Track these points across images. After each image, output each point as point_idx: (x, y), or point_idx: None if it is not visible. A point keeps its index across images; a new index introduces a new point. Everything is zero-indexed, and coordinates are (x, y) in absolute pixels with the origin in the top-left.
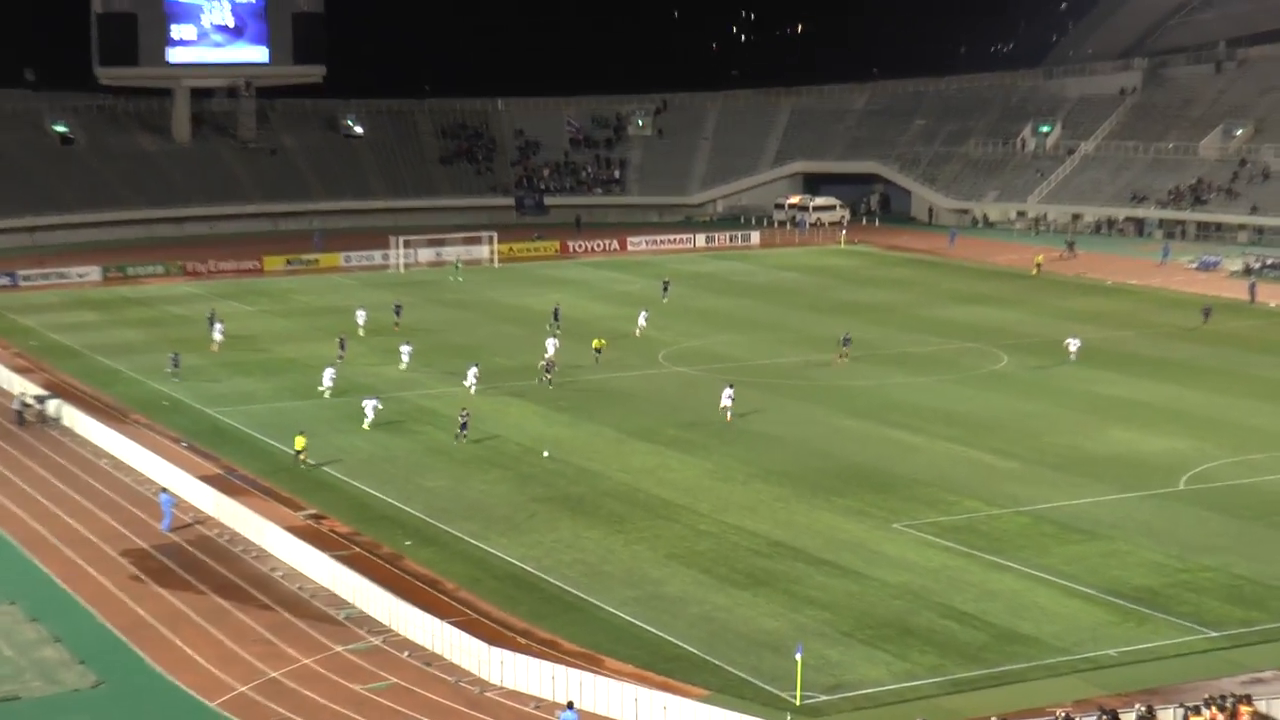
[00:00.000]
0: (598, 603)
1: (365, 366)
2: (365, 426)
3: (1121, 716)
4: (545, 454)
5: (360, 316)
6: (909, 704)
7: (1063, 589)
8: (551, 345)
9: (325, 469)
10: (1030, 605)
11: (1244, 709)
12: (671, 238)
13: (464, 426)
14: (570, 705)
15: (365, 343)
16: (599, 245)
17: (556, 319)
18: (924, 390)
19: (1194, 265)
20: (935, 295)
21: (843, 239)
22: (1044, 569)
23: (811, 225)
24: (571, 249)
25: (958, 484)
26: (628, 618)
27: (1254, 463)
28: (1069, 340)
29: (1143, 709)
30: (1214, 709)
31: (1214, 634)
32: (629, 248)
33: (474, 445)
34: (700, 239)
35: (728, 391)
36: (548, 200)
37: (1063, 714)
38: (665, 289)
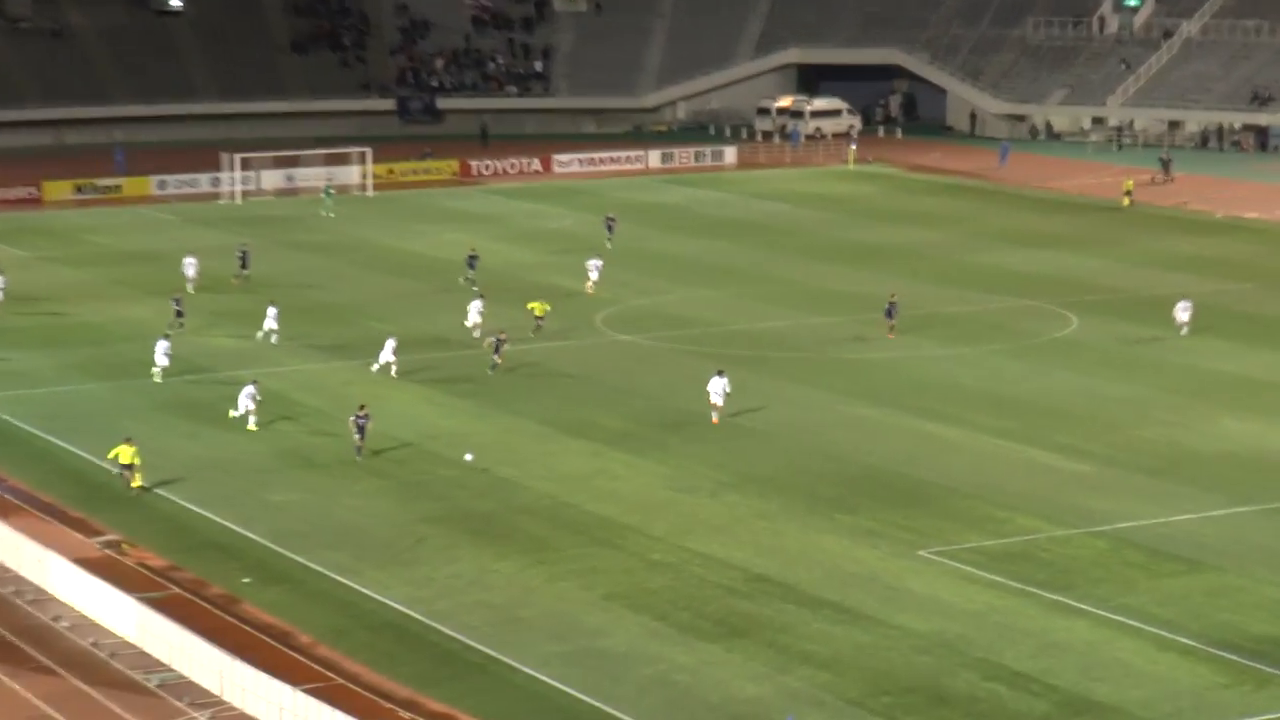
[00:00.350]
0: (511, 662)
1: (195, 337)
2: (251, 426)
3: None
4: (467, 458)
5: (189, 267)
6: None
7: (1154, 639)
8: (476, 309)
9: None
10: (1109, 662)
11: None
12: (614, 155)
13: (361, 433)
14: None
15: (194, 302)
16: (513, 166)
17: (472, 268)
18: (965, 365)
19: None
20: (980, 235)
21: (852, 157)
22: (1128, 612)
23: (808, 138)
24: (475, 171)
25: (1010, 495)
26: (552, 682)
27: None
28: (1178, 306)
29: None
30: None
31: None
32: (555, 169)
33: (339, 444)
34: (655, 157)
35: (719, 383)
36: (441, 103)
37: None
38: (610, 229)
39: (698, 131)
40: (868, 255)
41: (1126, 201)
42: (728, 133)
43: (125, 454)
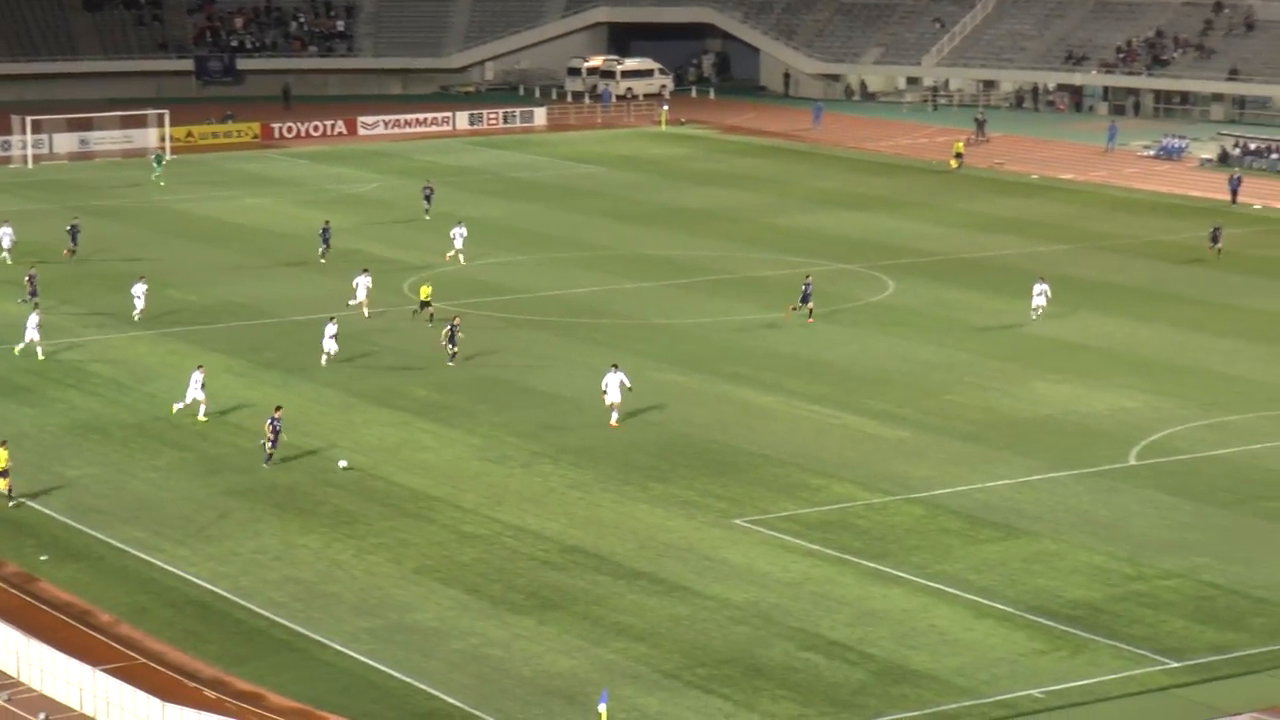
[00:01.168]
0: (319, 638)
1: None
2: (201, 417)
3: None
4: (341, 464)
5: (4, 237)
6: None
7: (970, 606)
8: (364, 286)
9: None
10: (925, 629)
11: None
12: (421, 117)
13: (275, 438)
14: None
15: (9, 272)
16: (316, 128)
17: (326, 243)
18: (780, 331)
19: (1151, 152)
20: (794, 197)
21: (664, 118)
22: (944, 579)
23: (619, 99)
24: (277, 133)
25: (826, 462)
26: (361, 658)
27: (1232, 426)
28: (1035, 288)
29: None
30: None
31: (1175, 664)
32: (360, 131)
33: (136, 416)
34: (462, 119)
35: (615, 378)
36: (242, 64)
37: None
38: (428, 199)
39: (506, 92)
40: (681, 218)
41: (955, 164)
42: (537, 94)
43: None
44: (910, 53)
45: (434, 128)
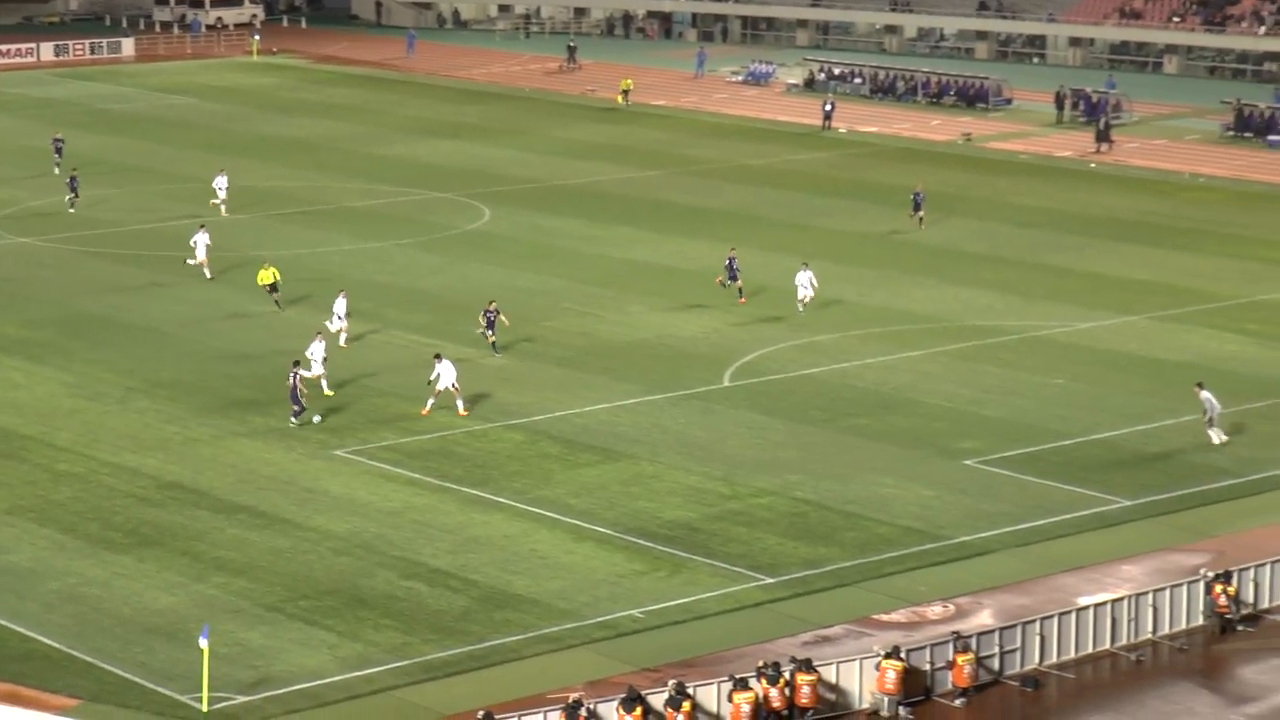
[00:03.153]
0: None
1: None
2: (327, 391)
3: (651, 698)
4: (316, 419)
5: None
6: (363, 700)
7: (570, 530)
8: (204, 242)
9: None
10: (527, 554)
11: (803, 679)
12: (4, 49)
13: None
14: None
15: None
16: None
17: (74, 190)
18: (376, 260)
19: (739, 78)
20: (389, 126)
21: (255, 48)
22: (544, 504)
23: (209, 28)
24: None
25: (425, 390)
26: None
27: (821, 346)
28: (799, 276)
29: (674, 687)
30: (765, 681)
31: (770, 580)
32: None
33: None
34: (47, 49)
35: (445, 369)
36: None
37: (573, 699)
38: (58, 151)
39: (93, 22)
40: (275, 149)
41: (621, 100)
42: (124, 24)
43: None
44: None
45: (17, 59)
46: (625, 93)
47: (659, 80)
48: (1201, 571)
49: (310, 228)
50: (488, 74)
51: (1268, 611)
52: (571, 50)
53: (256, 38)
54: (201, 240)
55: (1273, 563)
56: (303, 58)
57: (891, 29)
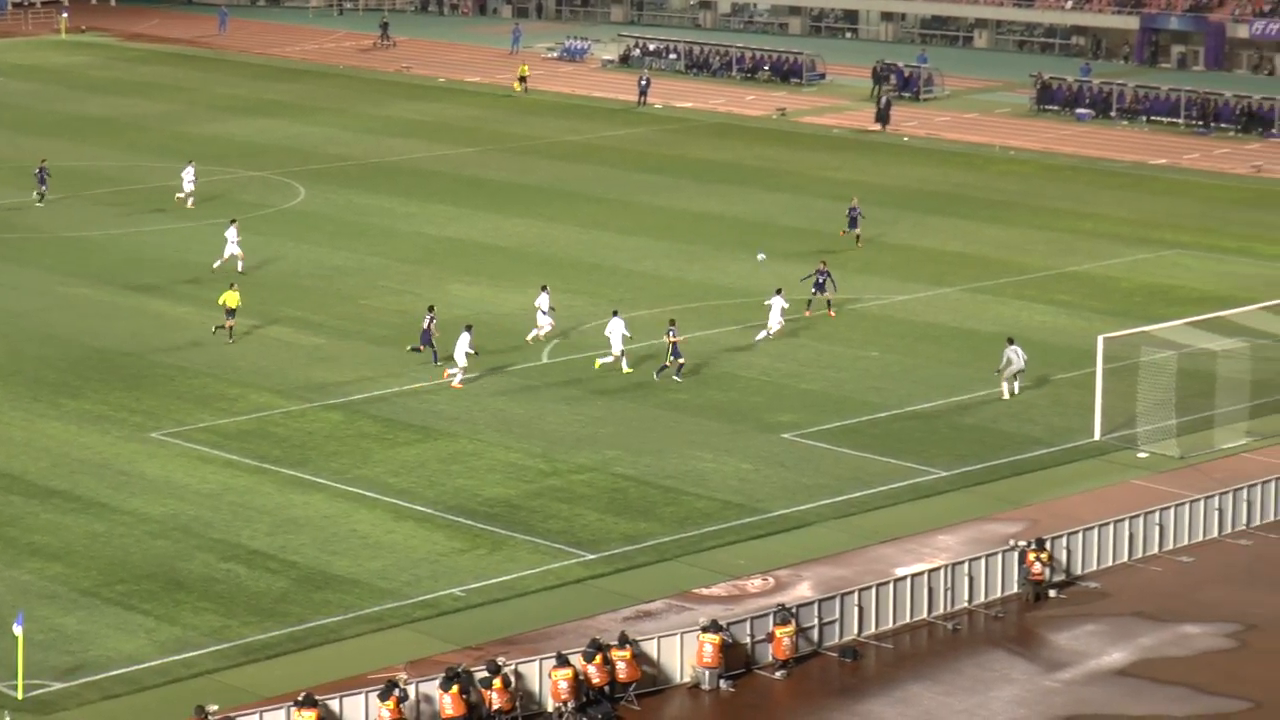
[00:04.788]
0: None
1: None
2: (626, 369)
3: (475, 674)
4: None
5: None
6: (182, 684)
7: (390, 509)
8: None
9: None
10: (346, 534)
11: (617, 654)
12: None
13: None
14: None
15: None
16: None
17: (44, 183)
18: (191, 240)
19: (555, 54)
20: (201, 104)
21: (63, 25)
22: (364, 483)
23: (16, 6)
24: None
25: (242, 371)
26: None
27: (637, 322)
28: (772, 306)
29: (493, 665)
30: (584, 659)
31: (591, 556)
32: None
33: None
34: None
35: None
36: None
37: (402, 678)
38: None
39: None
40: (86, 128)
41: (519, 87)
42: None
43: None
44: None
45: None
46: (523, 79)
47: (474, 57)
48: (1015, 540)
49: (123, 208)
50: (301, 51)
51: (1081, 578)
52: (384, 27)
53: (64, 15)
54: (231, 237)
55: (1085, 530)
56: (112, 35)
57: (705, 4)
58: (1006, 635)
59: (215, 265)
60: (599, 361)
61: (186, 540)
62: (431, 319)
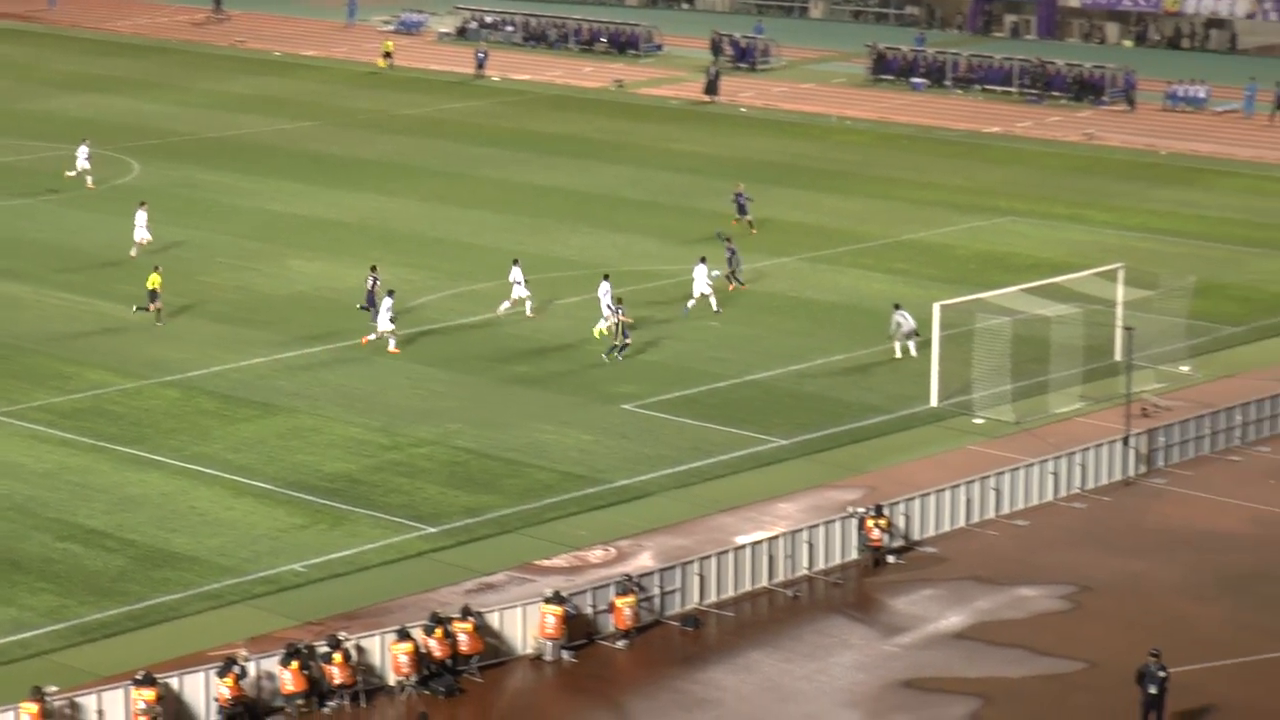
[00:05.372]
0: None
1: None
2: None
3: (316, 649)
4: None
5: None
6: (19, 664)
7: (230, 486)
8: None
9: None
10: (185, 512)
11: (459, 627)
12: None
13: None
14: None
15: None
16: None
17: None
18: (24, 217)
19: (391, 26)
20: (33, 80)
21: None
22: (203, 460)
23: None
24: None
25: (78, 349)
26: None
27: (480, 295)
28: (696, 274)
29: (334, 640)
30: (425, 632)
31: (432, 530)
32: None
33: None
34: None
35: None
36: None
37: (242, 655)
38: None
39: None
40: None
41: (383, 63)
42: None
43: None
44: None
45: None
46: (388, 55)
47: (310, 30)
48: (854, 507)
49: None
50: (133, 26)
51: (919, 543)
52: (218, 1)
53: None
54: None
55: (922, 496)
56: None
57: None
58: (846, 601)
59: (132, 253)
60: (597, 329)
61: (22, 520)
62: (374, 280)
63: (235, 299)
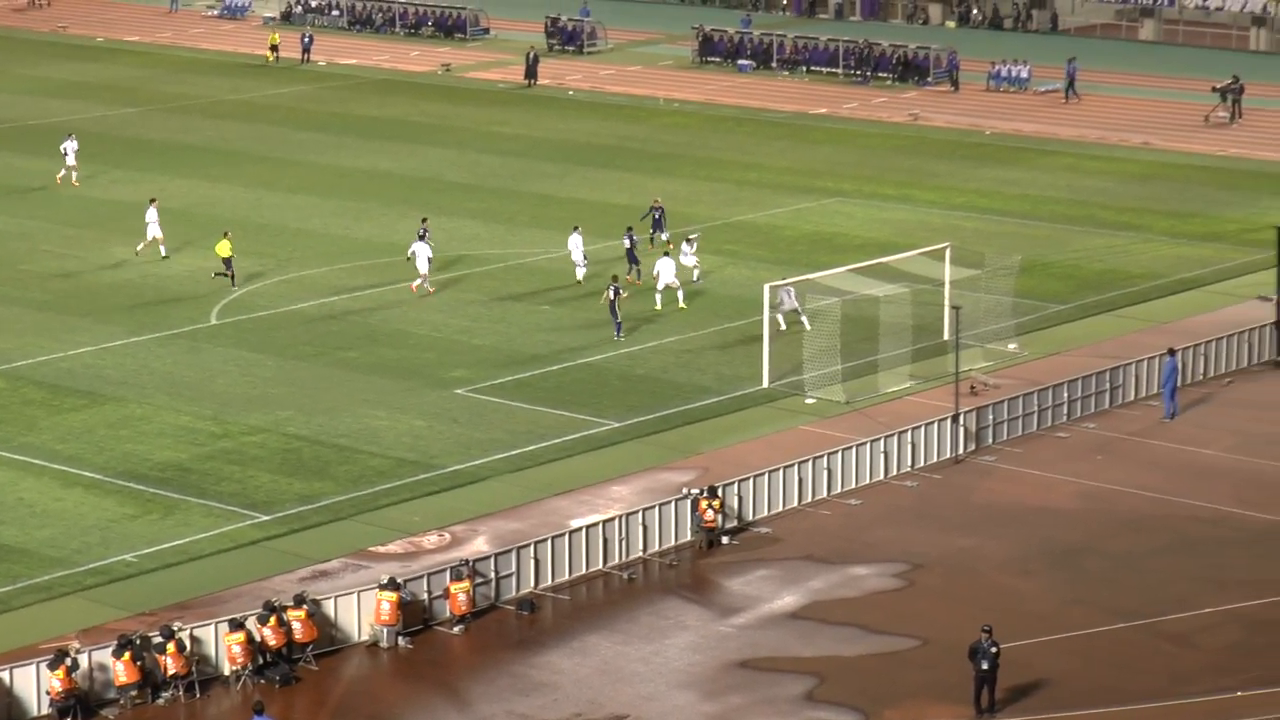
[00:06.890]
0: None
1: None
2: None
3: (150, 640)
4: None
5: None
6: None
7: (58, 476)
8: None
9: None
10: (13, 503)
11: (293, 615)
12: None
13: None
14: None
15: None
16: None
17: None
18: None
19: (215, 12)
20: None
21: None
22: (30, 451)
23: None
24: None
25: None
26: None
27: (308, 280)
28: (685, 249)
29: (167, 630)
30: (259, 621)
31: (265, 517)
32: None
33: None
34: None
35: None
36: None
37: (74, 647)
38: None
39: None
40: None
41: (271, 56)
42: None
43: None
44: None
45: None
46: (274, 48)
47: (133, 15)
48: (688, 489)
49: None
50: None
51: (752, 524)
52: None
53: None
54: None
55: (755, 476)
56: None
57: None
58: (681, 583)
59: (139, 248)
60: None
61: None
62: (425, 230)
63: (59, 287)
